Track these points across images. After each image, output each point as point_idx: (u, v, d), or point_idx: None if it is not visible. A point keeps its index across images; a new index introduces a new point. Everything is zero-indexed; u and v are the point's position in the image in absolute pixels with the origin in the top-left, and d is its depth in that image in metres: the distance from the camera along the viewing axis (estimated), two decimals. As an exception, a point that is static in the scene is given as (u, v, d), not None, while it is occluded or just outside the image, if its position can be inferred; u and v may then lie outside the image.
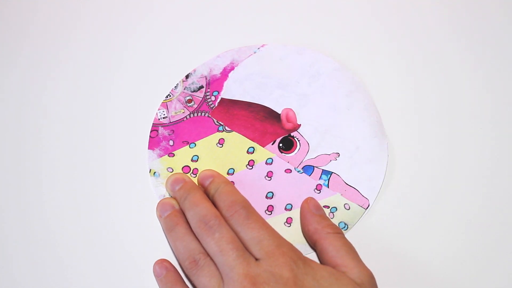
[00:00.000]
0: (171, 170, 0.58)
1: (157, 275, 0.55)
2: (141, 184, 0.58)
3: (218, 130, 0.60)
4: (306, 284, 0.49)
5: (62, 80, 0.62)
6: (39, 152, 0.59)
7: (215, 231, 0.52)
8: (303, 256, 0.51)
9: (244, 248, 0.51)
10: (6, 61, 0.62)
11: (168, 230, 0.55)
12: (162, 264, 0.55)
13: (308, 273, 0.50)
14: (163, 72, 0.62)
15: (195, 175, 0.58)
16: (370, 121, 0.59)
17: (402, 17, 0.64)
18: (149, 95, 0.61)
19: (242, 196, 0.55)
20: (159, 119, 0.60)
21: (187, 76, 0.62)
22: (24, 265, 0.56)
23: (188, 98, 0.61)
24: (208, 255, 0.52)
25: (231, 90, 0.61)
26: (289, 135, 0.59)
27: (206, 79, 0.61)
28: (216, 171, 0.57)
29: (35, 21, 0.64)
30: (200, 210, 0.54)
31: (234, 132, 0.59)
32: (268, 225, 0.53)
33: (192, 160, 0.59)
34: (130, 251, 0.56)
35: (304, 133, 0.59)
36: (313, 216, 0.55)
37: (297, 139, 0.59)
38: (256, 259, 0.51)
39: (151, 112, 0.60)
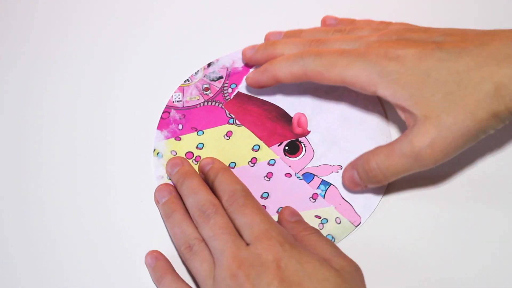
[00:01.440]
0: (175, 153, 0.59)
1: (148, 265, 0.56)
2: (144, 164, 0.59)
3: (228, 122, 0.60)
4: (290, 267, 0.49)
5: (75, 57, 0.63)
6: (42, 126, 0.60)
7: (211, 218, 0.53)
8: (292, 240, 0.51)
9: (237, 233, 0.52)
10: (6, 58, 0.63)
11: (166, 217, 0.56)
12: (153, 254, 0.56)
13: (293, 256, 0.50)
14: (186, 56, 0.62)
15: (196, 162, 0.59)
16: (379, 141, 0.59)
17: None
18: (169, 77, 0.62)
19: (242, 184, 0.55)
20: (173, 102, 0.61)
21: (209, 65, 0.62)
22: (23, 260, 0.57)
23: (205, 86, 0.61)
24: (204, 241, 0.53)
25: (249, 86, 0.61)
26: (297, 139, 0.59)
27: (227, 70, 0.62)
28: (216, 158, 0.58)
29: (40, 21, 0.64)
30: (199, 198, 0.54)
31: (243, 127, 0.60)
32: (263, 211, 0.53)
33: (197, 148, 0.59)
34: (130, 241, 0.57)
35: (312, 140, 0.59)
36: (289, 223, 0.55)
37: (304, 145, 0.59)
38: (247, 244, 0.51)
39: (167, 93, 0.61)
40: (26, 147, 0.60)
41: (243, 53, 0.61)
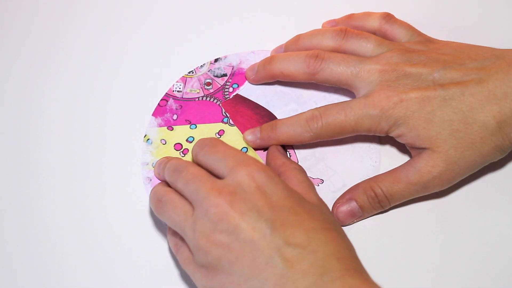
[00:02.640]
0: (164, 143, 0.60)
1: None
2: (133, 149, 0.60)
3: (222, 121, 0.60)
4: (277, 193, 0.48)
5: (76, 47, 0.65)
6: (40, 122, 0.61)
7: (183, 170, 0.51)
8: (267, 168, 0.50)
9: (210, 174, 0.50)
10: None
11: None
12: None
13: (278, 183, 0.49)
14: (196, 48, 0.63)
15: (184, 155, 0.60)
16: (367, 165, 0.58)
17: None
18: (175, 66, 0.63)
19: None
20: (173, 91, 0.62)
21: (216, 60, 0.63)
22: (21, 258, 0.57)
23: (208, 80, 0.62)
24: (174, 191, 0.51)
25: (250, 89, 0.61)
26: (284, 148, 0.59)
27: (232, 69, 0.62)
28: None
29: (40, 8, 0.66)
30: (172, 162, 0.53)
31: (236, 127, 0.60)
32: (235, 149, 0.51)
33: (187, 140, 0.60)
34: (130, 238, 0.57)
35: (300, 152, 0.59)
36: (281, 153, 0.56)
37: (289, 154, 0.59)
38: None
39: (170, 82, 0.62)
40: (23, 129, 0.61)
41: (245, 75, 0.62)
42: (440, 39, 0.59)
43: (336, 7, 0.64)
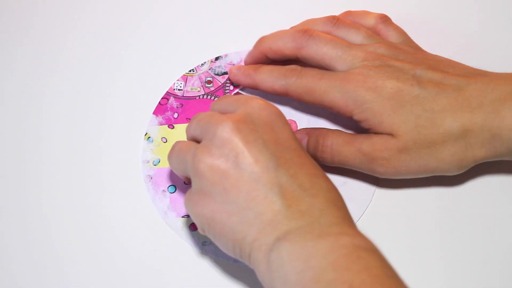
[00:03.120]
0: (165, 141, 0.60)
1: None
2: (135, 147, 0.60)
3: (223, 119, 0.60)
4: (276, 129, 0.48)
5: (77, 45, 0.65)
6: (40, 120, 0.61)
7: (196, 117, 0.51)
8: (277, 108, 0.50)
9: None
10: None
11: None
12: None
13: (277, 120, 0.49)
14: (197, 46, 0.63)
15: (184, 153, 0.59)
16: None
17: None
18: (175, 64, 0.63)
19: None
20: (174, 89, 0.62)
21: (216, 58, 0.63)
22: (21, 258, 0.57)
23: (208, 79, 0.62)
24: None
25: None
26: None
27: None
28: None
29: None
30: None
31: None
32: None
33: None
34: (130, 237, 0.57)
35: (300, 150, 0.59)
36: None
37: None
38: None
39: (171, 80, 0.62)
40: (23, 127, 0.61)
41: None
42: (439, 43, 0.61)
43: (337, 6, 0.64)
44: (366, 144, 0.54)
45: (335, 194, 0.48)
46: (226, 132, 0.47)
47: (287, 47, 0.58)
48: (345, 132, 0.56)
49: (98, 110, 0.61)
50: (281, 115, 0.49)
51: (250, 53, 0.61)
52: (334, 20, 0.59)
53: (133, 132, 0.60)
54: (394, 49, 0.56)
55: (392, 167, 0.54)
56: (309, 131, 0.57)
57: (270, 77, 0.57)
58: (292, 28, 0.60)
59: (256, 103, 0.49)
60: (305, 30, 0.57)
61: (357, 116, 0.54)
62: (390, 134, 0.53)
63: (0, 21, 0.66)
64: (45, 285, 0.55)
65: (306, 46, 0.57)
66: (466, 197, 0.57)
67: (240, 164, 0.46)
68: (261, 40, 0.60)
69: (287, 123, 0.49)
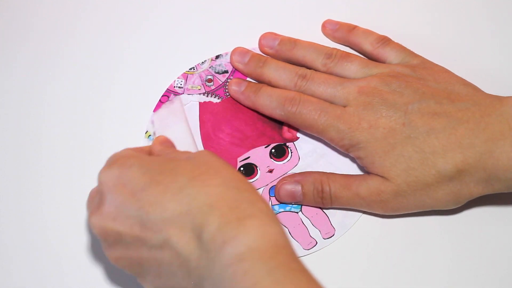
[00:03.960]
0: (166, 138, 0.60)
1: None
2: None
3: (222, 118, 0.61)
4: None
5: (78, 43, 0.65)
6: (41, 119, 0.61)
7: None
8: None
9: None
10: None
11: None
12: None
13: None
14: (197, 45, 0.64)
15: (185, 150, 0.60)
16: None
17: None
18: (176, 62, 0.63)
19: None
20: (174, 87, 0.62)
21: (217, 57, 0.63)
22: (20, 257, 0.57)
23: (209, 77, 0.62)
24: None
25: None
26: (285, 144, 0.59)
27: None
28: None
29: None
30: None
31: None
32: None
33: (188, 136, 0.60)
34: None
35: (301, 148, 0.59)
36: None
37: (290, 150, 0.59)
38: None
39: (172, 79, 0.62)
40: (22, 126, 0.61)
41: (232, 55, 0.62)
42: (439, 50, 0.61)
43: (339, 7, 0.65)
44: (362, 188, 0.55)
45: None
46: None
47: (286, 86, 0.59)
48: (340, 175, 0.57)
49: (98, 107, 0.61)
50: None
51: (248, 68, 0.61)
52: (332, 57, 0.59)
53: (133, 130, 0.61)
54: (388, 79, 0.56)
55: (390, 208, 0.55)
56: (300, 179, 0.57)
57: (270, 103, 0.58)
58: (293, 55, 0.61)
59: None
60: (304, 75, 0.59)
61: (352, 154, 0.56)
62: (382, 177, 0.54)
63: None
64: (45, 284, 0.56)
65: (305, 88, 0.58)
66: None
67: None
68: (263, 66, 0.60)
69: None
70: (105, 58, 0.63)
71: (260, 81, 0.60)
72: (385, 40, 0.60)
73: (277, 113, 0.58)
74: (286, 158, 0.59)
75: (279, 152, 0.59)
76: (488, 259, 0.56)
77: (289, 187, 0.56)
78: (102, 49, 0.64)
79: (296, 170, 0.59)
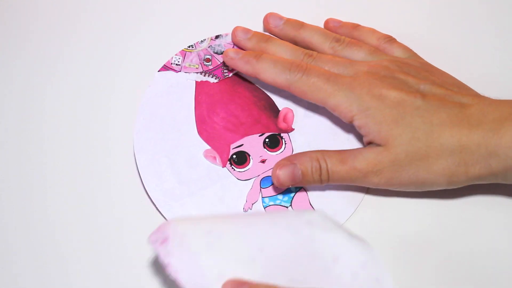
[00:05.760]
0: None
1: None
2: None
3: (219, 100, 0.60)
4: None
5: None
6: (44, 114, 0.60)
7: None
8: None
9: None
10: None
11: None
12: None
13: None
14: (197, 22, 0.63)
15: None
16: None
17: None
18: (174, 38, 0.62)
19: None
20: (171, 64, 0.60)
21: (217, 37, 0.61)
22: (19, 256, 0.56)
23: (207, 56, 0.61)
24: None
25: None
26: (279, 134, 0.59)
27: (233, 47, 0.61)
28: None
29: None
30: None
31: None
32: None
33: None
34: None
35: (295, 140, 0.59)
36: None
37: (285, 141, 0.59)
38: None
39: (168, 54, 0.61)
40: (22, 125, 0.60)
41: (234, 32, 0.60)
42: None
43: (339, 7, 0.64)
44: (359, 160, 0.54)
45: None
46: None
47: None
48: (334, 151, 0.55)
49: (92, 81, 0.61)
50: None
51: (251, 42, 0.60)
52: (337, 39, 0.59)
53: (128, 105, 0.59)
54: (399, 63, 0.56)
55: (384, 178, 0.54)
56: (296, 159, 0.55)
57: (273, 68, 0.57)
58: (299, 36, 0.60)
59: None
60: (310, 54, 0.58)
61: (358, 122, 0.55)
62: (383, 146, 0.54)
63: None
64: (46, 284, 0.55)
65: (310, 65, 0.57)
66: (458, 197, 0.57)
67: None
68: (267, 41, 0.59)
69: None
70: (104, 29, 0.62)
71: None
72: (390, 38, 0.60)
73: (280, 79, 0.56)
74: (279, 149, 0.58)
75: (273, 142, 0.59)
76: (486, 255, 0.56)
77: (287, 169, 0.55)
78: (102, 21, 0.63)
79: (288, 161, 0.58)
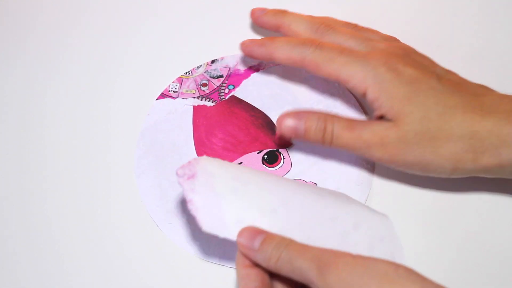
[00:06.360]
0: (159, 141, 0.60)
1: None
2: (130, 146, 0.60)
3: (216, 122, 0.61)
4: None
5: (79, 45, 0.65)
6: (38, 124, 0.62)
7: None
8: None
9: None
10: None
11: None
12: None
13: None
14: (193, 49, 0.64)
15: (177, 154, 0.60)
16: (361, 168, 0.58)
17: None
18: (171, 67, 0.63)
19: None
20: (169, 91, 0.62)
21: (212, 61, 0.63)
22: (19, 256, 0.57)
23: (204, 81, 0.62)
24: None
25: (246, 90, 0.61)
26: (277, 150, 0.59)
27: (229, 70, 0.62)
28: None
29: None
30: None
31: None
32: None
33: (181, 140, 0.60)
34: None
35: (293, 155, 0.59)
36: None
37: (283, 156, 0.59)
38: None
39: (167, 83, 0.62)
40: (22, 126, 0.62)
41: (252, 12, 0.62)
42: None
43: (340, 8, 0.65)
44: (366, 131, 0.53)
45: None
46: None
47: (307, 33, 0.58)
48: (345, 117, 0.55)
49: (92, 112, 0.62)
50: None
51: (267, 18, 0.61)
52: (353, 25, 0.60)
53: (128, 133, 0.60)
54: (414, 51, 0.57)
55: (388, 154, 0.53)
56: (304, 115, 0.55)
57: (287, 45, 0.57)
58: (311, 17, 0.61)
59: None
60: (328, 24, 0.58)
61: (371, 95, 0.54)
62: (393, 121, 0.52)
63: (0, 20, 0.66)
64: (45, 283, 0.55)
65: (327, 36, 0.57)
66: (460, 197, 0.57)
67: None
68: (284, 16, 0.60)
69: None
70: (101, 62, 0.64)
71: (279, 31, 0.60)
72: (395, 39, 0.59)
73: (293, 54, 0.56)
74: (278, 164, 0.59)
75: (272, 158, 0.59)
76: (498, 254, 0.56)
77: (292, 121, 0.54)
78: (99, 52, 0.64)
79: (288, 176, 0.58)
